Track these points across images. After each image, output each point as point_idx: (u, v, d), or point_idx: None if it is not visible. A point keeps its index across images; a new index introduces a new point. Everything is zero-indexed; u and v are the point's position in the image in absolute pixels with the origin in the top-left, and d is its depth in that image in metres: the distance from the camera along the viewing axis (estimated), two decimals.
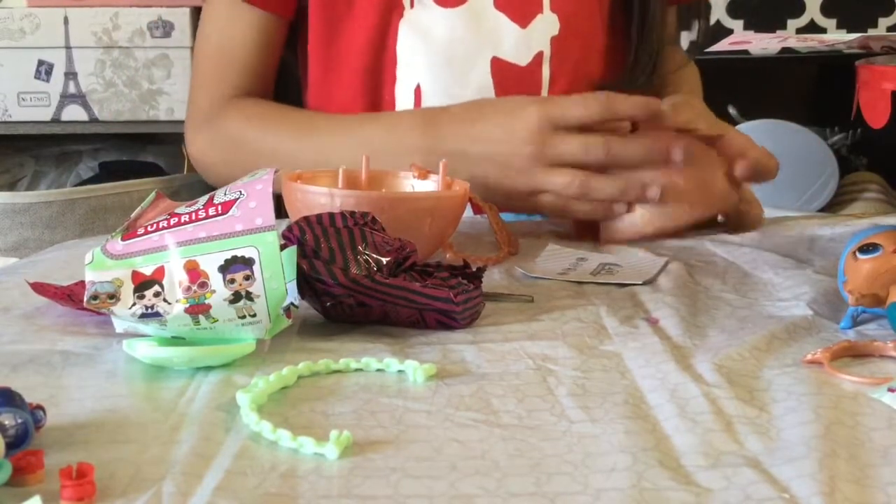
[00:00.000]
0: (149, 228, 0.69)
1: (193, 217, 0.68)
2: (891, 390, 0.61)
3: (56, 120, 1.84)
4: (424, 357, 0.67)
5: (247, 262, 0.67)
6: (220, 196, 0.70)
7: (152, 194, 0.74)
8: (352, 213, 0.76)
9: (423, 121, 1.02)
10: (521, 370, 0.66)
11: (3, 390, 0.55)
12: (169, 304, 0.67)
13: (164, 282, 0.67)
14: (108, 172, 1.96)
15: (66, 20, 1.81)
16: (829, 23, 2.19)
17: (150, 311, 0.67)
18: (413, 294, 0.71)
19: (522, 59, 1.10)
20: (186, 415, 0.59)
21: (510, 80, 1.09)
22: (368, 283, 0.71)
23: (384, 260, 0.73)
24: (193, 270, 0.67)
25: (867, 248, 0.72)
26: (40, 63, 1.82)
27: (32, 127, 1.86)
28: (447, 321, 0.73)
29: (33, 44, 1.81)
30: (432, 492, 0.50)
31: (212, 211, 0.68)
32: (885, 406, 0.60)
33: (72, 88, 1.83)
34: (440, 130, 1.00)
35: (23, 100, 1.83)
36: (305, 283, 0.71)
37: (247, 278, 0.66)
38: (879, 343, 0.68)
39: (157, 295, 0.67)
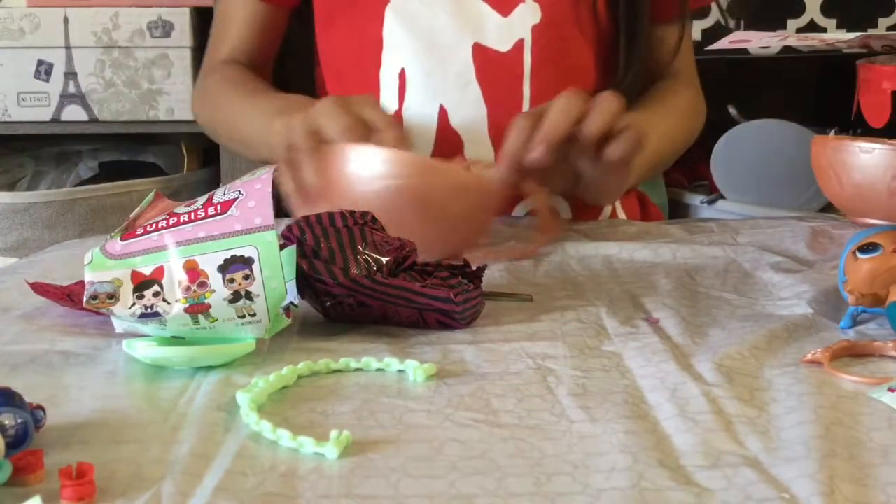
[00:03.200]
0: (148, 228, 0.69)
1: (192, 217, 0.68)
2: (891, 390, 0.61)
3: (56, 120, 1.84)
4: (424, 357, 0.67)
5: (246, 262, 0.66)
6: (219, 195, 0.70)
7: (151, 194, 0.74)
8: (351, 213, 0.76)
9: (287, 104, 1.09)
10: (521, 370, 0.66)
11: (3, 390, 0.55)
12: (168, 303, 0.66)
13: (164, 282, 0.67)
14: (108, 172, 1.96)
15: (65, 20, 1.80)
16: (829, 23, 2.19)
17: (149, 310, 0.67)
18: (413, 294, 0.71)
19: (504, 46, 1.12)
20: (186, 415, 0.59)
21: (491, 65, 1.12)
22: (368, 283, 0.71)
23: (384, 259, 0.73)
24: (193, 270, 0.67)
25: (867, 248, 0.72)
26: (40, 63, 1.82)
27: (32, 127, 1.85)
28: (447, 321, 0.73)
29: (33, 44, 1.81)
30: (432, 492, 0.50)
31: (211, 210, 0.68)
32: (885, 406, 0.60)
33: (72, 88, 1.82)
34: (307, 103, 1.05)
35: (22, 100, 1.83)
36: (305, 283, 0.71)
37: (246, 278, 0.66)
38: (879, 343, 0.68)
39: (156, 295, 0.67)
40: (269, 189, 0.68)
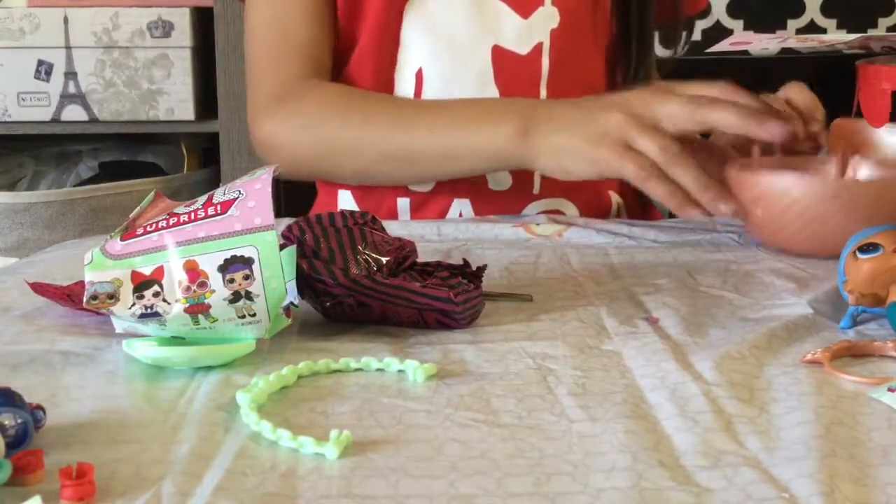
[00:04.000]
0: (148, 228, 0.69)
1: (192, 217, 0.68)
2: (891, 390, 0.61)
3: (56, 120, 1.84)
4: (424, 357, 0.67)
5: (246, 262, 0.66)
6: (219, 195, 0.70)
7: (151, 194, 0.74)
8: (352, 213, 0.76)
9: (513, 100, 1.05)
10: (521, 370, 0.66)
11: (3, 390, 0.55)
12: (168, 304, 0.66)
13: (164, 282, 0.67)
14: (108, 172, 1.96)
15: (65, 20, 1.81)
16: (829, 23, 2.19)
17: (149, 311, 0.67)
18: (413, 294, 0.71)
19: (523, 49, 1.11)
20: (186, 415, 0.59)
21: (510, 68, 1.11)
22: (368, 283, 0.71)
23: (384, 259, 0.73)
24: (193, 270, 0.67)
25: (867, 248, 0.72)
26: (40, 63, 1.82)
27: (32, 127, 1.86)
28: (447, 321, 0.73)
29: (33, 44, 1.81)
30: (432, 492, 0.50)
31: (211, 210, 0.68)
32: (885, 406, 0.60)
33: (72, 88, 1.83)
34: (535, 102, 1.03)
35: (23, 100, 1.83)
36: (305, 283, 0.71)
37: (246, 278, 0.66)
38: (879, 343, 0.68)
39: (156, 295, 0.67)
40: (269, 189, 0.68)
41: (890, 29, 2.18)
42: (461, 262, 0.77)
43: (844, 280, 0.73)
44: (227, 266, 0.66)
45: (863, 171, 0.96)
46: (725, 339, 0.70)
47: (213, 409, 0.60)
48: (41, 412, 0.56)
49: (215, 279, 0.66)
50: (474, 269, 0.77)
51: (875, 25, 2.19)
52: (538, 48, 1.11)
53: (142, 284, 0.67)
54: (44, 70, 1.82)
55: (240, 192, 0.69)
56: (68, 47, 1.81)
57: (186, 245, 0.67)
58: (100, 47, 1.81)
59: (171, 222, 0.68)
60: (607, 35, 1.16)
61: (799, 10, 2.19)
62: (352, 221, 0.75)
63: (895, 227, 0.75)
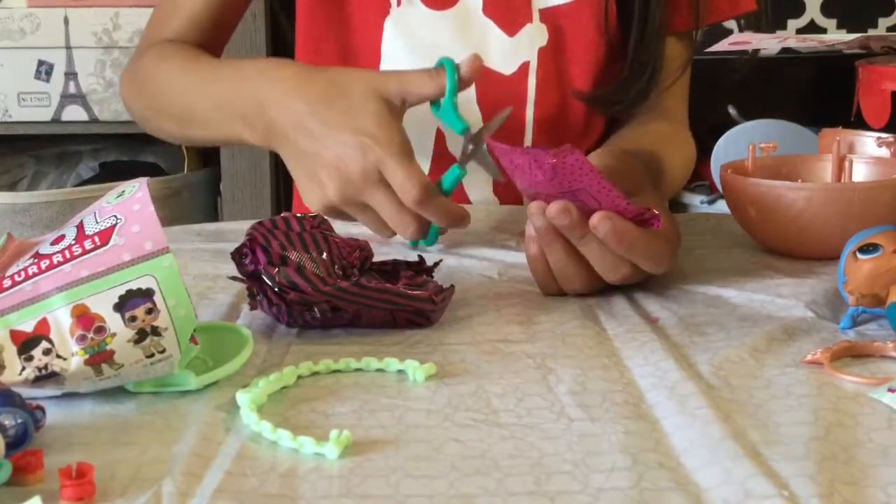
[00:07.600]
0: (16, 278, 0.60)
1: (68, 255, 0.60)
2: (891, 390, 0.61)
3: (56, 120, 1.84)
4: (424, 357, 0.67)
5: (145, 294, 0.59)
6: (90, 226, 0.62)
7: (4, 236, 0.67)
8: (302, 216, 0.74)
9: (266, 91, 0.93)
10: (521, 370, 0.66)
11: (3, 390, 0.55)
12: (64, 359, 0.59)
13: (52, 336, 0.59)
14: (108, 172, 1.96)
15: (66, 20, 1.81)
16: (829, 23, 2.19)
17: (44, 372, 0.59)
18: (395, 296, 0.71)
19: (508, 69, 1.08)
20: (186, 415, 0.59)
21: (494, 88, 1.07)
22: (354, 289, 0.70)
23: (353, 262, 0.73)
24: (84, 316, 0.59)
25: (867, 248, 0.72)
26: (40, 63, 1.82)
27: (32, 127, 1.86)
28: (419, 320, 0.73)
29: (33, 44, 1.81)
30: (432, 491, 0.51)
31: (88, 244, 0.60)
32: (885, 406, 0.60)
33: (72, 88, 1.83)
34: (284, 100, 0.92)
35: (23, 100, 1.83)
36: (265, 290, 0.70)
37: (149, 312, 0.59)
38: (879, 343, 0.68)
39: (47, 352, 0.59)
40: (151, 208, 0.61)
41: (890, 29, 2.18)
42: (417, 260, 0.78)
43: (845, 280, 0.73)
44: (124, 303, 0.59)
45: (857, 171, 0.96)
46: (724, 339, 0.70)
47: (213, 409, 0.60)
48: (41, 412, 0.56)
49: (113, 320, 0.59)
50: (431, 265, 0.77)
51: (875, 25, 2.19)
52: (524, 68, 1.08)
53: (27, 343, 0.59)
54: (44, 70, 1.82)
55: (116, 217, 0.61)
56: (69, 47, 1.81)
57: (69, 289, 0.59)
58: (100, 47, 1.81)
59: (42, 266, 0.60)
60: (604, 51, 1.09)
61: (799, 10, 2.19)
62: (309, 225, 0.73)
63: (895, 227, 0.75)
